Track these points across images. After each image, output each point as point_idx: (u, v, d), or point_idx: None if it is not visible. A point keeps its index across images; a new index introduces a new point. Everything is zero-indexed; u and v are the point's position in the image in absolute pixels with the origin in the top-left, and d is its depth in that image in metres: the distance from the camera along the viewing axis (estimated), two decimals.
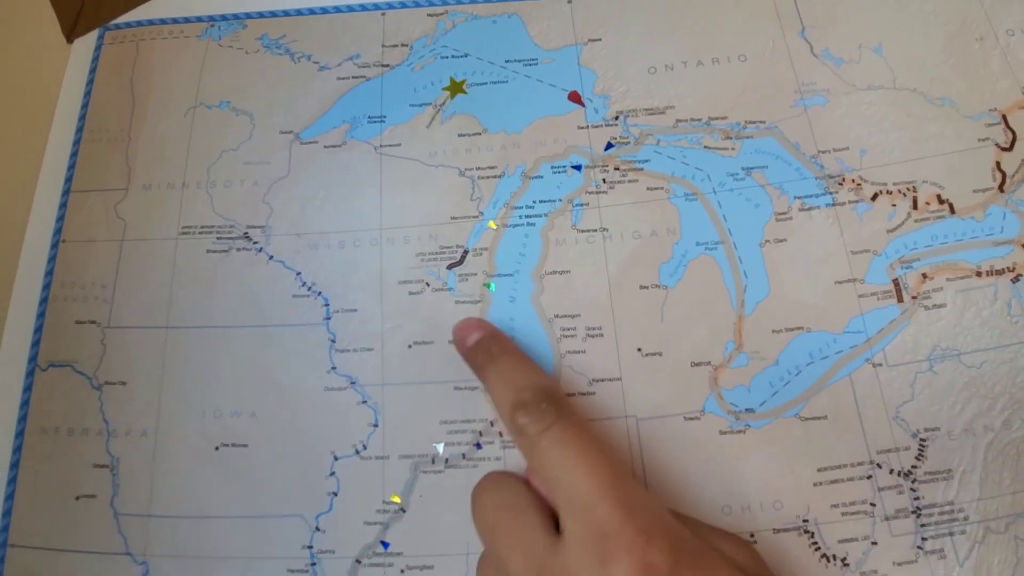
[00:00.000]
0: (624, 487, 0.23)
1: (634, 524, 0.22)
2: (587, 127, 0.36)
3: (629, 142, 0.35)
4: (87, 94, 0.38)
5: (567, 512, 0.24)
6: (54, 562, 0.31)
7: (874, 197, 0.33)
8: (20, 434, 0.33)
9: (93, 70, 0.39)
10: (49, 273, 0.35)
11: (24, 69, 0.38)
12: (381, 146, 0.36)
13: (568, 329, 0.32)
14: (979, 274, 0.31)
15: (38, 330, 0.34)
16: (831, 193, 0.33)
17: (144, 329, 0.34)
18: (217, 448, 0.32)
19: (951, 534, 0.29)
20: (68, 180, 0.37)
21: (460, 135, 0.36)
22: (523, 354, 0.30)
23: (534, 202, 0.34)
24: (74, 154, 0.37)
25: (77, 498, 0.31)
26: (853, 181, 0.33)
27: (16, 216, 0.36)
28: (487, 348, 0.30)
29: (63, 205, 0.36)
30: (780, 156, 0.34)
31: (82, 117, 0.38)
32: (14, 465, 0.32)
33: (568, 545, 0.23)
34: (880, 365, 0.31)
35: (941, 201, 0.32)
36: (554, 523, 0.25)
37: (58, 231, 0.36)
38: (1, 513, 0.31)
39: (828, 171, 0.33)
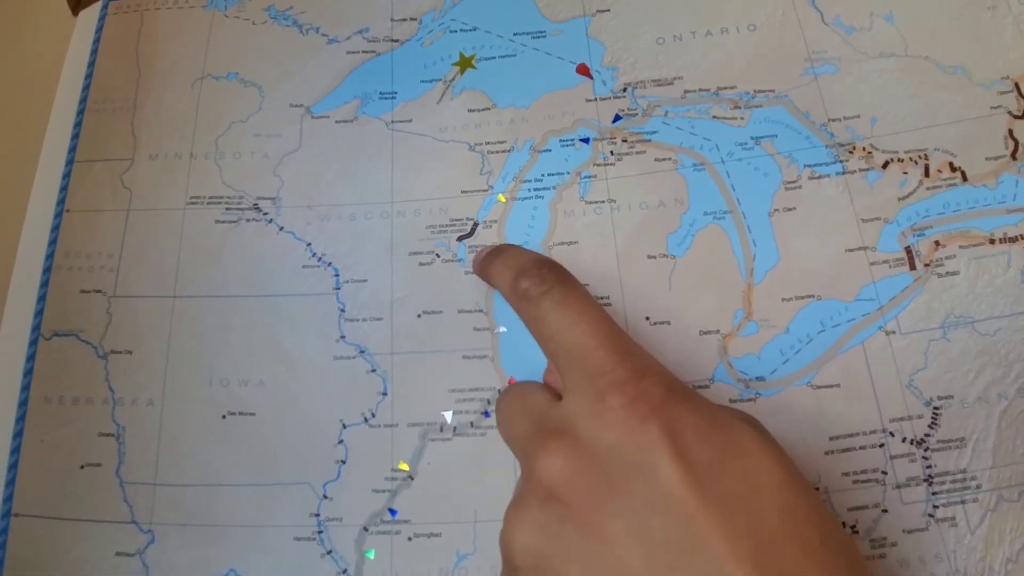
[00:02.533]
0: (621, 338, 0.24)
1: (629, 364, 0.23)
2: (595, 99, 0.35)
3: (637, 114, 0.35)
4: (91, 64, 0.38)
5: (567, 365, 0.24)
6: (59, 531, 0.30)
7: (885, 165, 0.33)
8: (24, 403, 0.32)
9: (97, 40, 0.39)
10: (53, 243, 0.35)
11: (29, 40, 0.38)
12: (393, 122, 0.36)
13: None
14: (992, 241, 0.31)
15: (41, 299, 0.34)
16: (841, 161, 0.33)
17: (151, 298, 0.33)
18: (224, 416, 0.32)
19: (963, 502, 0.28)
20: (72, 150, 0.36)
21: (470, 110, 0.36)
22: (524, 248, 0.32)
23: (543, 175, 0.34)
24: (78, 124, 0.37)
25: (82, 467, 0.31)
26: (864, 149, 0.33)
27: (19, 186, 0.36)
28: (493, 250, 0.31)
29: (67, 175, 0.36)
30: (790, 125, 0.34)
31: (86, 87, 0.38)
32: (18, 434, 0.32)
33: (568, 395, 0.24)
34: (893, 333, 0.30)
35: (953, 169, 0.32)
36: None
37: (62, 201, 0.35)
38: (5, 482, 0.31)
39: (838, 139, 0.33)
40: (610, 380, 0.23)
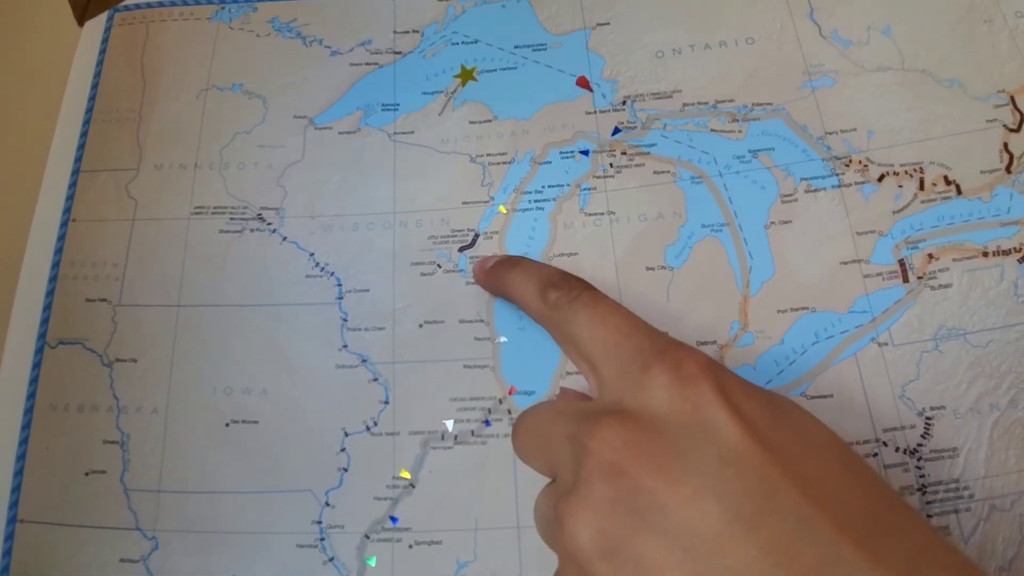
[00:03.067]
0: (651, 327, 0.26)
1: (664, 339, 0.24)
2: (595, 112, 0.36)
3: (636, 127, 0.35)
4: (97, 75, 0.39)
5: (603, 357, 0.25)
6: (63, 537, 0.31)
7: (881, 178, 0.33)
8: (29, 410, 0.33)
9: (103, 51, 0.39)
10: (59, 251, 0.35)
11: (35, 51, 0.38)
12: (395, 133, 0.36)
13: None
14: (985, 254, 0.31)
15: (47, 308, 0.34)
16: (838, 175, 0.33)
17: (155, 307, 0.34)
18: (228, 425, 0.32)
19: (956, 512, 0.29)
20: (78, 160, 0.37)
21: (471, 122, 0.36)
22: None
23: (543, 187, 0.35)
24: (84, 134, 0.37)
25: (87, 474, 0.31)
26: (860, 162, 0.33)
27: (26, 195, 0.36)
28: (506, 261, 0.32)
29: (73, 184, 0.36)
30: (787, 138, 0.34)
31: (92, 98, 0.38)
32: (23, 441, 0.32)
33: (606, 385, 0.24)
34: (886, 344, 0.31)
35: (948, 182, 0.33)
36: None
37: (68, 210, 0.36)
38: (11, 488, 0.32)
39: (835, 152, 0.34)
40: (650, 355, 0.23)
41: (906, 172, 0.33)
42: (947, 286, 0.31)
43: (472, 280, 0.33)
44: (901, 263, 0.32)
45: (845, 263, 0.32)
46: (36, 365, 0.33)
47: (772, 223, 0.33)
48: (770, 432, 0.21)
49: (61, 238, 0.35)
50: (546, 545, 0.25)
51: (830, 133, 0.34)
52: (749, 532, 0.19)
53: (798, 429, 0.22)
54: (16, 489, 0.32)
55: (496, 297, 0.33)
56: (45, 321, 0.34)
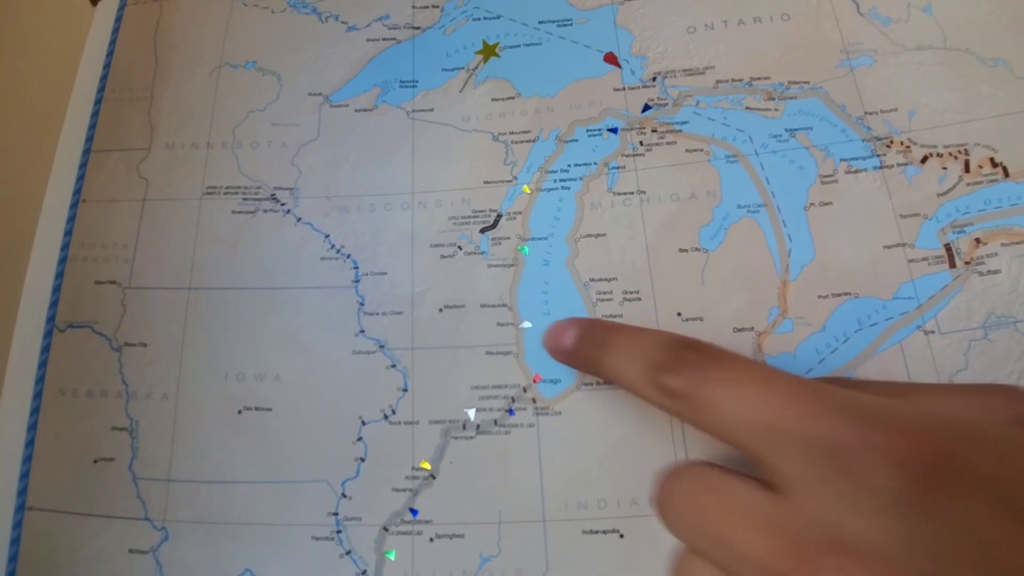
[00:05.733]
0: (827, 395, 0.19)
1: (861, 421, 0.17)
2: (623, 89, 0.34)
3: (667, 103, 0.34)
4: (109, 54, 0.38)
5: (778, 451, 0.18)
6: (72, 526, 0.30)
7: (924, 160, 0.32)
8: (38, 395, 0.32)
9: (116, 30, 0.38)
10: (68, 233, 0.34)
11: (48, 30, 0.37)
12: (413, 111, 0.35)
13: (604, 293, 0.31)
14: None
15: (56, 290, 0.33)
16: (879, 155, 0.32)
17: (166, 290, 0.33)
18: (240, 412, 0.31)
19: None
20: (89, 140, 0.36)
21: (493, 99, 0.35)
22: (634, 325, 0.26)
23: (569, 166, 0.33)
24: (95, 113, 0.36)
25: (95, 461, 0.30)
26: (902, 143, 0.32)
27: (36, 176, 0.35)
28: (591, 337, 0.26)
29: (83, 164, 0.35)
30: (825, 117, 0.33)
31: (104, 77, 0.37)
32: (32, 427, 0.31)
33: (797, 487, 0.18)
34: (932, 332, 0.29)
35: (995, 164, 0.31)
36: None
37: (78, 191, 0.35)
38: (19, 475, 0.31)
39: (875, 133, 0.32)
40: (852, 453, 0.17)
41: (950, 154, 0.31)
42: (996, 272, 0.30)
43: (494, 263, 0.32)
44: (947, 247, 0.30)
45: (889, 247, 0.30)
46: (45, 349, 0.32)
47: (812, 204, 0.31)
48: None
49: (71, 219, 0.34)
50: None
51: (870, 113, 0.33)
52: None
53: None
54: (25, 476, 0.31)
55: (520, 282, 0.32)
56: (54, 304, 0.33)
